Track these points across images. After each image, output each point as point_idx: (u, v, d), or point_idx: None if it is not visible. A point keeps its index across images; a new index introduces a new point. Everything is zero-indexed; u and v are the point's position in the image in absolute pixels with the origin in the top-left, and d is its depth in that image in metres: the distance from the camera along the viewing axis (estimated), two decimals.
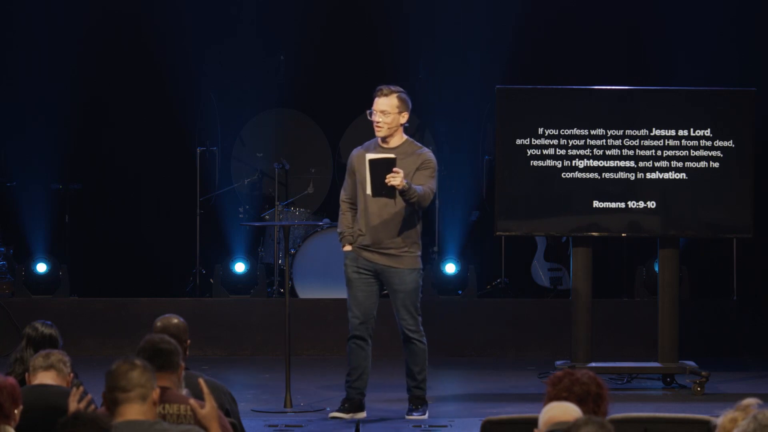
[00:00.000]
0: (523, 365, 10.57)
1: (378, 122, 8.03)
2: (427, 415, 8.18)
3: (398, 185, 7.75)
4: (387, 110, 8.00)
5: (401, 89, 8.10)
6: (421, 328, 8.13)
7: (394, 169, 7.74)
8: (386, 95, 8.03)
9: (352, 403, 8.18)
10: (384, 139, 8.08)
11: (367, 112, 8.09)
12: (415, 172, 7.98)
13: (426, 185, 7.97)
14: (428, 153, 8.12)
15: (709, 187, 9.26)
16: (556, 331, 10.85)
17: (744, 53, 11.98)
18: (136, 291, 11.72)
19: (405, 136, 8.14)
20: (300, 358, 10.72)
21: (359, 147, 8.28)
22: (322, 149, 12.83)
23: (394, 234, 8.02)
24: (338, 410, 8.20)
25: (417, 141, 8.34)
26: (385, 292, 8.27)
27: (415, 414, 8.16)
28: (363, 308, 8.11)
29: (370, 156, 7.89)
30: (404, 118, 8.06)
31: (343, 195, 8.28)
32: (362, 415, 8.19)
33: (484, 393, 9.42)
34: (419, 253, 8.13)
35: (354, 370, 8.16)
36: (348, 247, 8.14)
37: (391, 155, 7.87)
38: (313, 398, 8.93)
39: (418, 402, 8.20)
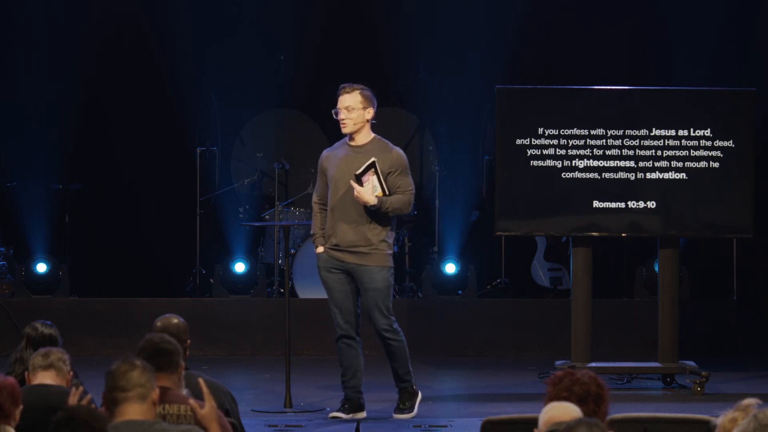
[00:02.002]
0: (523, 365, 10.57)
1: (343, 119, 8.12)
2: (415, 411, 8.17)
3: (368, 203, 7.93)
4: (351, 106, 8.09)
5: (364, 86, 8.18)
6: (395, 325, 8.12)
7: (356, 194, 7.90)
8: (349, 92, 8.12)
9: (352, 403, 8.18)
10: (351, 137, 8.15)
11: (333, 111, 8.17)
12: (387, 177, 8.02)
13: (403, 194, 8.03)
14: (399, 152, 8.15)
15: (709, 187, 9.26)
16: (556, 331, 10.84)
17: (744, 53, 11.97)
18: (136, 291, 11.72)
19: (373, 134, 8.19)
20: (300, 358, 10.72)
21: (328, 148, 8.38)
22: (322, 149, 12.75)
23: (363, 233, 8.04)
24: (338, 410, 8.20)
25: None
26: None
27: (402, 412, 8.16)
28: (343, 308, 8.15)
29: (357, 172, 7.98)
30: (369, 113, 8.13)
31: (315, 196, 8.34)
32: (362, 414, 8.18)
33: (484, 393, 9.42)
34: (390, 251, 8.13)
35: (347, 370, 8.18)
36: (320, 249, 8.18)
37: (371, 160, 7.98)
38: (313, 398, 8.93)
39: (406, 396, 8.20)
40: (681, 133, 9.28)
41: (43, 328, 6.04)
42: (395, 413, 8.19)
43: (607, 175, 9.26)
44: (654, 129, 9.27)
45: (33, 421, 4.83)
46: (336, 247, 8.09)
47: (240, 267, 11.86)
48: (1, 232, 12.09)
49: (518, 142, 9.25)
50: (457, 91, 12.45)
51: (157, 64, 12.35)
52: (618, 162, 9.27)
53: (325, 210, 8.19)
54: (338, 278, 8.14)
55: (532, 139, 9.24)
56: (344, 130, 8.15)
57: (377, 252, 8.06)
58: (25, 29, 12.43)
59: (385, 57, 12.42)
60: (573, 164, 9.26)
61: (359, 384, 8.20)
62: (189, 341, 5.68)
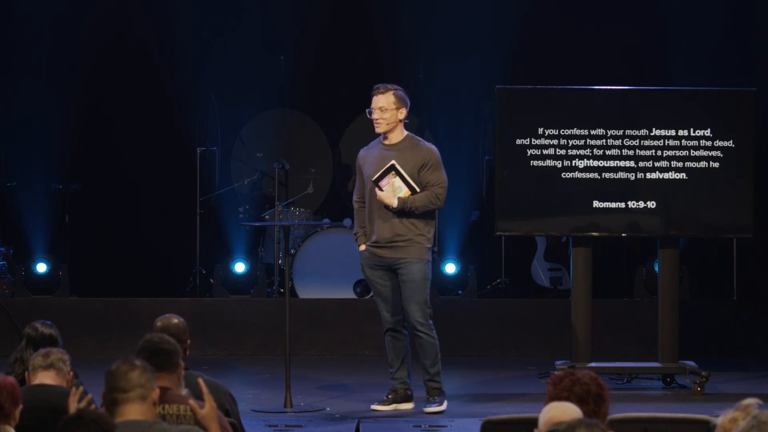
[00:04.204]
0: (523, 365, 10.57)
1: (377, 119, 8.26)
2: (444, 405, 8.25)
3: (390, 205, 8.12)
4: (384, 106, 8.23)
5: (398, 87, 8.35)
6: (431, 321, 8.22)
7: (377, 198, 8.10)
8: (383, 93, 8.26)
9: (396, 395, 8.32)
10: (385, 136, 8.29)
11: (366, 111, 8.31)
12: (419, 173, 8.07)
13: (430, 189, 8.12)
14: (429, 147, 8.30)
15: (709, 187, 9.26)
16: (556, 331, 10.84)
17: (744, 53, 11.97)
18: (136, 291, 11.72)
19: (406, 132, 8.35)
20: (300, 358, 10.72)
21: (365, 147, 8.52)
22: (322, 149, 12.82)
23: (399, 228, 8.20)
24: (379, 403, 8.27)
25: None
26: None
27: (432, 405, 8.24)
28: (389, 303, 8.31)
29: (373, 179, 8.17)
30: (402, 113, 8.27)
31: (355, 195, 8.52)
32: (407, 406, 8.30)
33: (484, 393, 9.41)
34: (428, 245, 8.26)
35: (394, 362, 8.35)
36: (362, 247, 8.35)
37: (390, 163, 8.13)
38: (313, 398, 8.93)
39: (436, 392, 8.31)
40: (681, 133, 9.27)
41: (43, 328, 6.04)
42: (425, 408, 8.23)
43: (607, 175, 9.26)
44: (654, 129, 9.27)
45: (33, 421, 4.83)
46: (375, 244, 8.26)
47: (240, 267, 11.86)
48: (1, 232, 12.09)
49: (518, 142, 9.25)
50: (457, 91, 12.45)
51: (157, 64, 12.35)
52: (618, 162, 9.27)
53: (365, 208, 8.35)
54: (380, 274, 8.30)
55: (532, 139, 9.24)
56: (378, 130, 8.30)
57: (413, 245, 8.21)
58: (26, 29, 12.43)
59: (385, 57, 12.42)
60: (573, 164, 9.26)
61: (405, 375, 8.34)
62: (189, 341, 5.68)
